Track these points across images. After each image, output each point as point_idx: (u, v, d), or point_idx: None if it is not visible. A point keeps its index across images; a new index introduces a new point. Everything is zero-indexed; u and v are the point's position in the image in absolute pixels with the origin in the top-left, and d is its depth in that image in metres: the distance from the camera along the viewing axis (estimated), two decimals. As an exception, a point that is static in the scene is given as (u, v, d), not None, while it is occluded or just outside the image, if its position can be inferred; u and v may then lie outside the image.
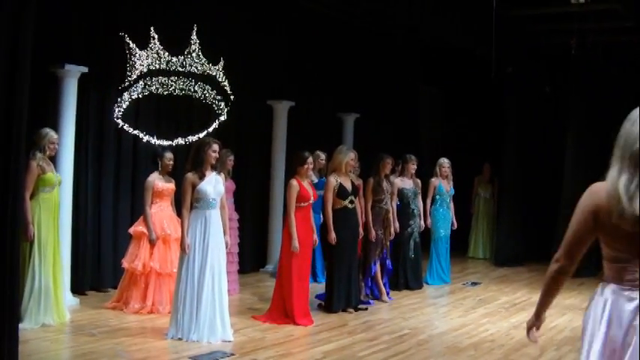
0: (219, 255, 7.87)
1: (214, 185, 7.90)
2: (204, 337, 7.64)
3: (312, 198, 9.05)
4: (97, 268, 10.14)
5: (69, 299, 9.03)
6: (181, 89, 11.02)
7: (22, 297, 7.62)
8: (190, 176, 7.86)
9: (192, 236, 7.80)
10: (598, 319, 3.26)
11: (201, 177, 7.85)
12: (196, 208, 7.87)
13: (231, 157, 10.16)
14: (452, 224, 12.45)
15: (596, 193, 3.26)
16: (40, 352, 7.06)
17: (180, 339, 7.66)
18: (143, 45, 10.42)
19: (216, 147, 7.97)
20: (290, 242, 8.81)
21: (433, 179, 12.33)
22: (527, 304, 10.66)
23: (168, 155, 9.39)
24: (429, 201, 12.19)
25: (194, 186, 7.82)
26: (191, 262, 7.76)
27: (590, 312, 3.33)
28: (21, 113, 5.22)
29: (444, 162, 12.39)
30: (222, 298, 7.85)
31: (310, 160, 9.15)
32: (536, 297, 11.08)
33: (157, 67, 10.64)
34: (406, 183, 11.54)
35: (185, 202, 7.85)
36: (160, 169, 9.32)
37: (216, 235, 7.87)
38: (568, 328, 9.02)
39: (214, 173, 8.00)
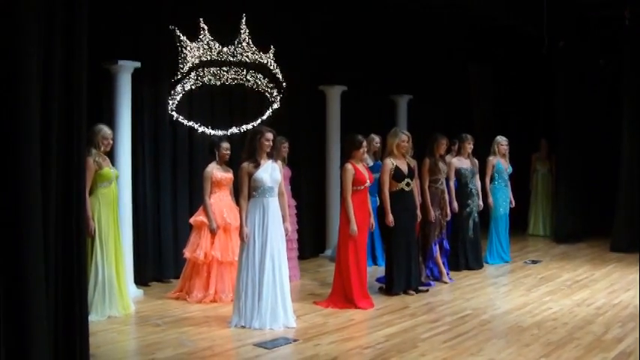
0: (278, 242, 7.92)
1: (270, 173, 7.92)
2: (266, 324, 7.70)
3: (367, 181, 9.03)
4: (159, 259, 10.29)
5: (133, 291, 9.19)
6: (233, 79, 11.09)
7: (87, 291, 7.76)
8: (246, 165, 7.90)
9: (252, 225, 7.85)
10: None
11: (257, 165, 7.87)
12: (254, 197, 7.91)
13: (286, 144, 10.19)
14: (510, 202, 12.35)
15: None
16: (108, 344, 7.20)
17: (243, 327, 7.73)
18: (193, 37, 10.50)
19: (269, 135, 7.98)
20: (347, 226, 8.83)
21: (491, 157, 12.21)
22: (589, 280, 10.54)
23: (225, 145, 9.44)
24: (488, 179, 12.09)
25: (250, 175, 7.86)
26: (251, 251, 7.82)
27: None
28: (80, 111, 5.30)
29: (502, 140, 12.28)
30: (284, 285, 7.91)
31: (365, 144, 9.12)
32: (598, 273, 11.11)
33: (209, 58, 10.71)
34: (463, 163, 11.49)
35: (242, 191, 7.90)
36: (217, 159, 9.37)
37: (275, 223, 7.91)
38: (632, 304, 8.90)
39: (270, 161, 8.01)
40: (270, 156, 8.05)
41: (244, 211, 7.88)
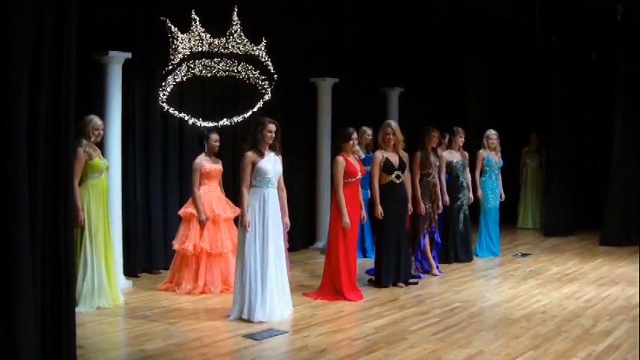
0: (278, 233, 7.92)
1: (273, 164, 7.91)
2: (268, 316, 7.65)
3: (359, 173, 9.03)
4: (149, 251, 10.28)
5: (122, 282, 9.17)
6: (225, 70, 11.06)
7: (75, 282, 7.73)
8: (250, 154, 7.85)
9: (252, 214, 7.79)
10: None
11: (261, 155, 7.86)
12: (255, 187, 7.87)
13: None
14: (500, 196, 12.37)
15: None
16: (96, 335, 7.19)
17: (242, 319, 7.66)
18: (185, 28, 10.47)
19: (272, 127, 7.94)
20: (338, 218, 8.83)
21: (481, 151, 12.25)
22: (578, 273, 10.57)
23: (214, 136, 9.43)
24: (477, 173, 12.12)
25: (254, 164, 7.82)
26: (252, 240, 7.74)
27: None
28: (68, 101, 5.27)
29: (492, 133, 12.30)
30: (284, 277, 7.97)
31: (355, 135, 9.10)
32: (587, 267, 11.10)
33: (200, 49, 10.69)
34: (454, 156, 11.50)
35: (244, 180, 7.84)
36: (206, 150, 9.37)
37: (274, 214, 7.89)
38: (621, 298, 8.94)
39: (273, 153, 7.99)
40: (272, 148, 8.03)
41: (246, 200, 7.82)
